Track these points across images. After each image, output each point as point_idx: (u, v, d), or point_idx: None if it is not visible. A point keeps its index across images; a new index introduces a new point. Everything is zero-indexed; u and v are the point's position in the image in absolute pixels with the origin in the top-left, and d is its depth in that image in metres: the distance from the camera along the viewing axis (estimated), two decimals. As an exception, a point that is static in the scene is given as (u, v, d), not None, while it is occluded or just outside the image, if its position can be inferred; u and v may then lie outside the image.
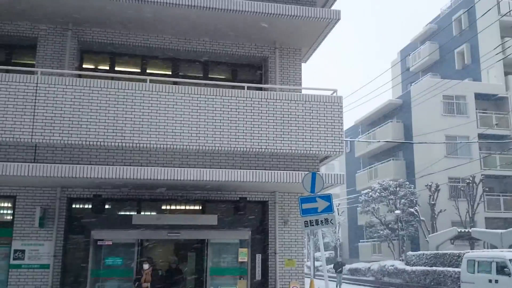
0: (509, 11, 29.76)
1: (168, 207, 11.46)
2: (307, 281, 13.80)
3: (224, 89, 10.22)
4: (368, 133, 40.49)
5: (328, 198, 9.30)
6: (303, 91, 11.55)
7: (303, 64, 12.69)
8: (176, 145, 9.68)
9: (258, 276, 11.15)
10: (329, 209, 9.20)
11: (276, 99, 10.32)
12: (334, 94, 10.81)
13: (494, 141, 31.98)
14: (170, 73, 11.92)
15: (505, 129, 34.04)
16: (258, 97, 10.24)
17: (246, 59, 12.17)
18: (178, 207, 11.53)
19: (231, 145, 9.92)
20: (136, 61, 11.88)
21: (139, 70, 11.79)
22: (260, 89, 11.23)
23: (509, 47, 29.29)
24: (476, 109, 34.58)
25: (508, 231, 23.52)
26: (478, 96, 34.70)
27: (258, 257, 11.25)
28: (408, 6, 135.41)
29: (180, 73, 11.94)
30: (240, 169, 10.37)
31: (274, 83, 11.72)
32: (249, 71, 12.51)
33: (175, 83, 10.78)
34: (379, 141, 35.35)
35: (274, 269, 11.26)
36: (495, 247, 23.68)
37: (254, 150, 10.07)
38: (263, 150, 10.10)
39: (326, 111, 10.51)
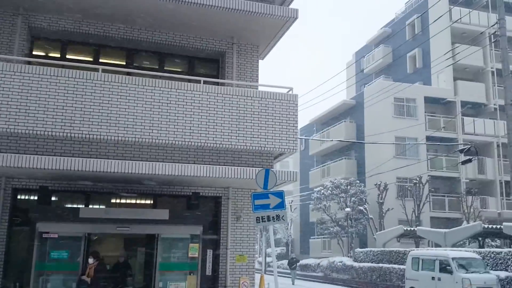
0: (460, 18, 30.89)
1: (118, 201, 11.23)
2: (257, 276, 13.90)
3: (179, 82, 10.09)
4: (322, 132, 41.17)
5: (280, 194, 9.39)
6: (260, 88, 11.58)
7: (260, 61, 12.71)
8: (128, 137, 9.48)
9: (209, 272, 11.12)
10: (281, 205, 9.29)
11: (232, 95, 10.29)
12: (290, 92, 10.89)
13: (441, 143, 33.23)
14: (124, 63, 11.64)
15: (452, 132, 35.42)
16: (214, 92, 10.18)
17: (203, 53, 12.06)
18: (128, 201, 11.32)
19: (185, 139, 9.81)
20: (89, 49, 11.53)
21: (91, 59, 11.46)
22: (217, 84, 11.16)
23: (459, 53, 30.42)
24: (425, 112, 35.80)
25: (451, 231, 24.49)
26: (428, 100, 35.92)
27: (209, 252, 11.21)
28: (372, 6, 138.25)
29: (134, 64, 11.69)
30: (194, 163, 10.28)
31: (231, 79, 11.68)
32: (206, 65, 12.41)
33: (128, 73, 10.53)
34: (332, 140, 36.00)
35: (225, 265, 11.25)
36: (439, 246, 24.60)
37: (208, 145, 10.00)
38: (218, 145, 10.06)
39: (281, 109, 10.57)
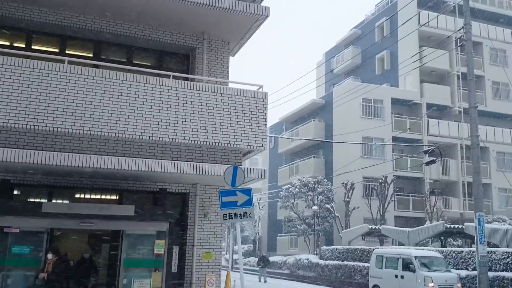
0: (428, 22, 31.57)
1: (82, 196, 10.99)
2: (224, 273, 13.86)
3: (148, 76, 9.94)
4: (292, 130, 41.39)
5: (248, 192, 9.38)
6: (230, 85, 11.53)
7: (231, 58, 12.66)
8: (94, 131, 9.28)
9: (174, 269, 11.00)
10: (249, 203, 9.28)
11: (202, 91, 10.22)
12: (260, 90, 10.89)
13: (406, 144, 33.90)
14: (91, 55, 11.40)
15: (417, 134, 36.17)
16: (184, 87, 10.07)
17: (173, 47, 11.92)
18: (93, 196, 11.08)
19: (153, 134, 9.68)
20: (55, 40, 11.23)
21: (57, 50, 11.17)
22: (186, 79, 11.06)
23: (425, 56, 31.10)
24: (392, 113, 36.44)
25: (415, 230, 25.02)
26: (395, 101, 36.57)
27: (176, 249, 11.09)
28: (349, 6, 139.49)
29: (102, 57, 11.45)
30: (162, 159, 10.16)
31: (201, 74, 11.59)
32: (176, 60, 12.27)
33: (95, 66, 10.31)
34: (301, 139, 36.23)
35: (191, 262, 11.18)
36: (403, 244, 25.10)
37: (176, 140, 9.90)
38: (186, 141, 9.97)
39: (251, 106, 10.56)
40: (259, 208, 43.36)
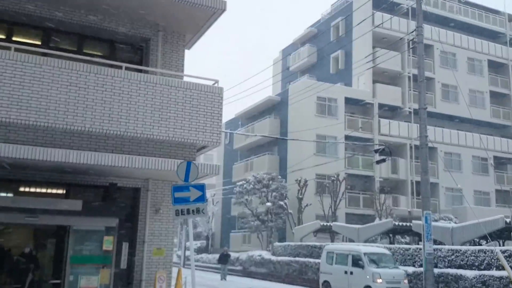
0: (382, 23, 32.28)
1: (27, 189, 10.51)
2: (175, 270, 13.64)
3: (99, 66, 9.60)
4: (247, 127, 41.41)
5: (201, 187, 9.28)
6: (185, 78, 11.32)
7: (187, 51, 12.46)
8: (41, 122, 8.87)
9: (124, 265, 10.72)
10: (202, 199, 9.19)
11: (156, 83, 9.98)
12: (216, 85, 10.75)
13: (358, 143, 34.60)
14: (40, 43, 10.91)
15: (368, 133, 37.03)
16: (137, 79, 9.81)
17: (126, 37, 11.57)
18: (38, 190, 10.63)
19: (103, 126, 9.36)
20: (1, 26, 10.67)
21: (3, 37, 10.61)
22: (140, 71, 10.76)
23: (378, 57, 31.80)
24: (345, 112, 37.11)
25: (364, 227, 25.60)
26: (348, 100, 37.25)
27: (125, 245, 10.81)
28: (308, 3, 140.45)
29: (51, 45, 10.98)
30: (112, 152, 9.84)
31: (155, 67, 11.33)
32: (129, 51, 11.92)
33: (44, 54, 9.87)
34: (256, 135, 36.29)
35: (142, 258, 10.93)
36: (353, 241, 25.63)
37: (128, 134, 9.62)
38: (138, 134, 9.71)
39: (206, 101, 10.41)
40: (213, 204, 43.17)
